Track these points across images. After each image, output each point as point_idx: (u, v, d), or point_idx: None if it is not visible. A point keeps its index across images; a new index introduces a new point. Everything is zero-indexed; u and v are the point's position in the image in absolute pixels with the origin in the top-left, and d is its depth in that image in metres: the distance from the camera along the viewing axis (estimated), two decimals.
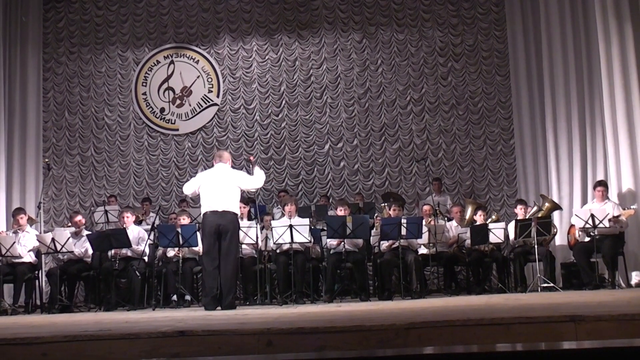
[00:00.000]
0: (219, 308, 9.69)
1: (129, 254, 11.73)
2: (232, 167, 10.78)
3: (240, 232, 11.05)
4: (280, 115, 16.09)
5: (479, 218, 12.46)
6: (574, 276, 12.29)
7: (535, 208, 12.78)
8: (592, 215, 11.39)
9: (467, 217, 13.19)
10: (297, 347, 4.71)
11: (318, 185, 15.86)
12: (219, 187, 10.07)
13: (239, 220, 10.60)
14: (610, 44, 12.56)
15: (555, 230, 12.68)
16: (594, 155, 13.20)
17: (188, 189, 10.56)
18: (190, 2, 16.38)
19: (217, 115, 16.21)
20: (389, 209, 12.25)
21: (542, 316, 5.02)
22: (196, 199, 11.47)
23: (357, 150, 15.88)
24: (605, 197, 11.95)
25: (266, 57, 16.25)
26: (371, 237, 11.99)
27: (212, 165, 10.71)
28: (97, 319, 8.22)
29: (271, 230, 11.29)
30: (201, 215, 10.41)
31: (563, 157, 13.80)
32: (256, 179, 10.63)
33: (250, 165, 14.49)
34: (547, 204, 12.76)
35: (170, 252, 11.97)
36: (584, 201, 13.06)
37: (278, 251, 11.52)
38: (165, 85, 16.35)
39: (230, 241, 9.96)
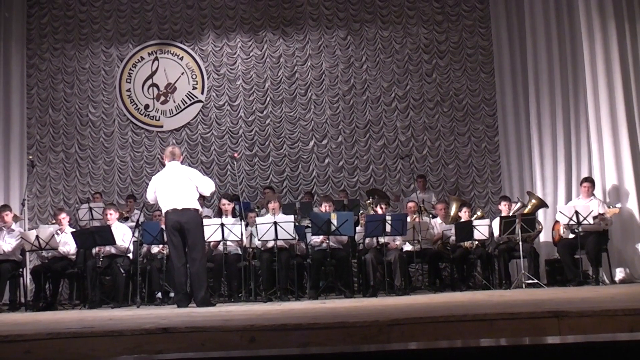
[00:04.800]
0: (194, 305, 9.69)
1: (113, 251, 11.71)
2: (182, 163, 10.49)
3: (225, 229, 11.07)
4: (264, 112, 16.07)
5: (464, 215, 12.50)
6: (558, 272, 12.34)
7: (519, 204, 12.81)
8: (577, 212, 11.44)
9: (452, 214, 13.22)
10: (280, 343, 4.71)
11: (302, 182, 15.85)
12: (176, 186, 9.92)
13: (224, 217, 10.59)
14: (594, 42, 12.63)
15: (540, 227, 12.71)
16: (578, 152, 13.25)
17: (149, 195, 10.39)
18: None
19: (201, 112, 16.17)
20: (374, 206, 12.26)
21: (525, 312, 5.04)
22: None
23: (341, 147, 15.88)
24: (591, 193, 12.02)
25: (250, 54, 16.22)
26: (356, 234, 12.01)
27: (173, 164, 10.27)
28: (81, 317, 8.22)
29: (255, 227, 11.29)
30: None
31: (547, 154, 13.85)
32: (207, 182, 10.32)
33: (235, 162, 14.57)
34: (533, 201, 12.79)
35: (155, 249, 12.00)
36: (568, 198, 13.11)
37: (262, 248, 11.51)
38: (149, 82, 16.30)
39: (195, 238, 9.86)
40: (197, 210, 10.04)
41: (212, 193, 10.85)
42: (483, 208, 14.97)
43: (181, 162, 10.37)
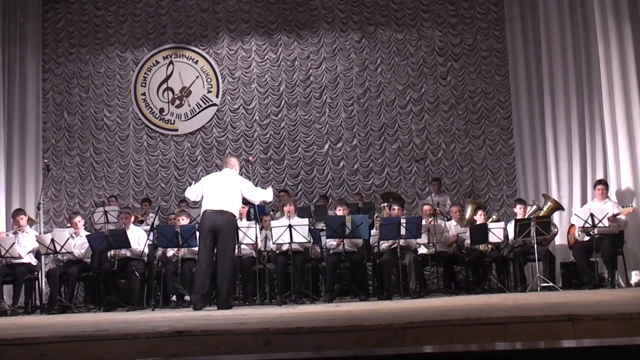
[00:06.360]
0: (209, 308, 9.74)
1: (128, 254, 11.74)
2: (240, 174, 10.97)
3: (240, 232, 11.08)
4: (279, 115, 16.09)
5: (480, 218, 12.45)
6: (574, 276, 12.28)
7: (534, 207, 12.76)
8: (592, 215, 11.38)
9: (467, 216, 13.18)
10: (295, 346, 4.70)
11: (317, 185, 15.85)
12: (220, 188, 10.26)
13: (238, 220, 10.66)
14: (609, 44, 12.56)
15: (556, 230, 12.65)
16: (593, 154, 13.20)
17: (190, 192, 10.81)
18: (189, 2, 16.37)
19: (216, 116, 16.20)
20: (389, 209, 12.25)
21: (540, 315, 5.02)
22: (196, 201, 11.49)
23: (356, 150, 15.88)
24: (605, 195, 11.96)
25: (265, 57, 16.25)
26: (371, 237, 11.98)
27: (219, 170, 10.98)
28: (96, 320, 8.22)
29: (270, 230, 11.29)
30: (200, 215, 10.48)
31: (562, 156, 13.81)
32: (259, 191, 10.83)
33: (250, 166, 14.57)
34: (549, 204, 12.73)
35: (170, 253, 12.00)
36: (584, 201, 13.07)
37: (277, 251, 11.51)
38: (164, 86, 16.34)
39: (226, 242, 10.04)
40: (234, 215, 10.29)
41: (265, 201, 11.14)
42: (498, 211, 14.95)
43: (235, 170, 10.78)
